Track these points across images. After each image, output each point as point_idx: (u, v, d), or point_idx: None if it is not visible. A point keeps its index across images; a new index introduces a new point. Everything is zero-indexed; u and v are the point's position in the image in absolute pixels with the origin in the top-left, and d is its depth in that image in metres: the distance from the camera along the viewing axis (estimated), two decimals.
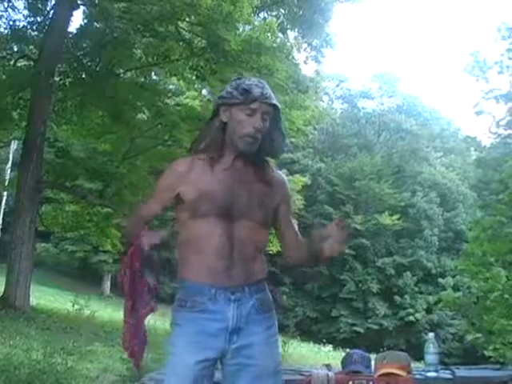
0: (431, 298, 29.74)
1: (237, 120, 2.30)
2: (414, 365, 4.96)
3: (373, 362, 3.64)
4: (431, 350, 4.18)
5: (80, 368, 7.43)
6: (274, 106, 2.33)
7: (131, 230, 2.46)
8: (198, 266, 2.27)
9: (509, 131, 9.96)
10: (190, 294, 2.28)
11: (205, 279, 2.25)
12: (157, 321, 13.60)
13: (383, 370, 3.42)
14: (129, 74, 13.09)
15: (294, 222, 2.49)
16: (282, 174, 2.54)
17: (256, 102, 2.28)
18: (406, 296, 31.38)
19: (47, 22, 11.99)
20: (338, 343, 24.50)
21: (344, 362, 3.63)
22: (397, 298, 31.25)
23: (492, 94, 9.66)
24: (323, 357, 15.84)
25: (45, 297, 15.71)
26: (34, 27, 12.36)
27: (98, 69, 11.94)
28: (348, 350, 6.79)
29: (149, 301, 2.42)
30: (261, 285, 2.36)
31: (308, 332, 28.25)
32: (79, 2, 12.24)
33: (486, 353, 14.71)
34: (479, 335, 12.83)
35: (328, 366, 3.70)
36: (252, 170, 2.37)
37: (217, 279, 2.25)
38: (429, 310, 30.43)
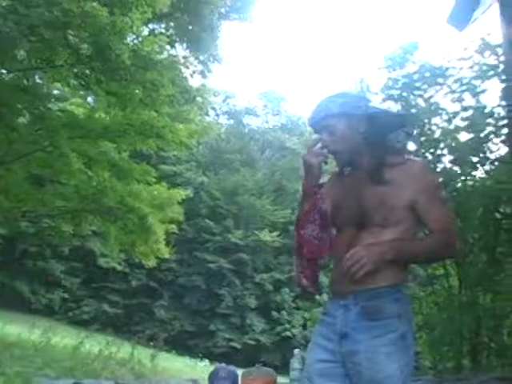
0: (307, 314, 30.40)
1: None
2: (283, 380, 5.11)
3: (240, 378, 3.72)
4: (295, 366, 4.34)
5: None
6: (323, 117, 2.43)
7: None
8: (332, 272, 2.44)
9: None
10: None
11: (330, 285, 2.43)
12: (21, 333, 13.06)
13: None
14: (11, 76, 12.59)
15: (439, 212, 2.33)
16: (417, 164, 2.42)
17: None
18: (283, 312, 31.92)
19: None
20: (215, 358, 24.54)
21: (211, 378, 3.68)
22: (274, 313, 31.73)
23: None
24: (199, 371, 15.83)
25: None
26: None
27: None
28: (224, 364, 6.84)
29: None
30: (373, 292, 2.27)
31: (185, 346, 28.15)
32: None
33: None
34: None
35: (195, 382, 3.73)
36: (366, 176, 2.36)
37: (333, 286, 2.41)
38: (305, 326, 31.10)
